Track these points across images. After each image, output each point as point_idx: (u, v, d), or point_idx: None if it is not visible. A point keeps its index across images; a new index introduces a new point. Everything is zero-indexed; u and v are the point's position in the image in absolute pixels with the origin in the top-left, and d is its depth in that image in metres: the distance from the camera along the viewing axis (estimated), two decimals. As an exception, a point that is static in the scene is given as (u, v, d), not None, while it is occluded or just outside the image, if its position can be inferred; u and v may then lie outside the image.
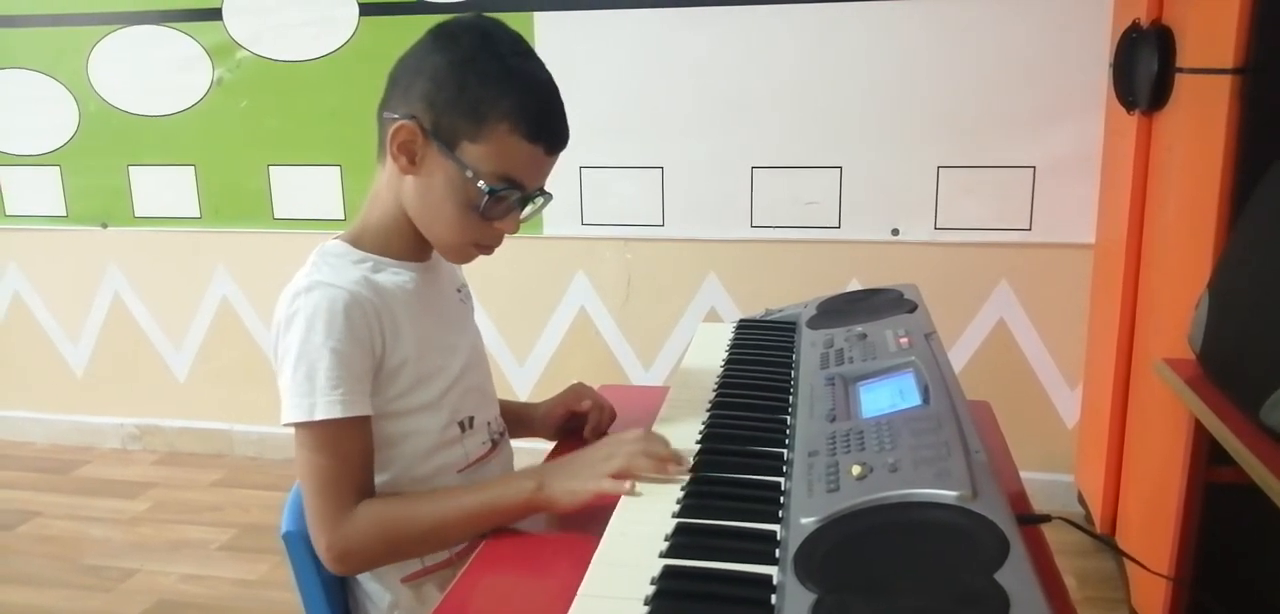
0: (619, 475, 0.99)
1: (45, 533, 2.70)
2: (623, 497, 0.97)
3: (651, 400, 1.25)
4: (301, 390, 1.01)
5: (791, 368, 1.27)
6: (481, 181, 1.05)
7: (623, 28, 2.57)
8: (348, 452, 1.03)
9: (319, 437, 1.02)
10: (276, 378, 1.05)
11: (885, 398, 1.03)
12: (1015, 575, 0.67)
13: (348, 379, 1.02)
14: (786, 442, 1.05)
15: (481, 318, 1.33)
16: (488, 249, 1.14)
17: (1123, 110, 2.12)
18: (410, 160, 1.07)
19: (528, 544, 1.03)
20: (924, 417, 0.94)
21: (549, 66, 1.11)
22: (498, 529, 1.05)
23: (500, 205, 1.08)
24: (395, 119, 1.06)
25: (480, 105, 1.04)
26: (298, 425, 1.02)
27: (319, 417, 1.00)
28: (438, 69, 1.06)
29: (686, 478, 0.99)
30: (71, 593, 2.39)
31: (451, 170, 1.06)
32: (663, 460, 1.01)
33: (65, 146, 3.01)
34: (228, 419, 3.14)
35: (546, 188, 1.13)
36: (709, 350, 1.40)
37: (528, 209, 1.13)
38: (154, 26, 2.84)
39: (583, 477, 1.02)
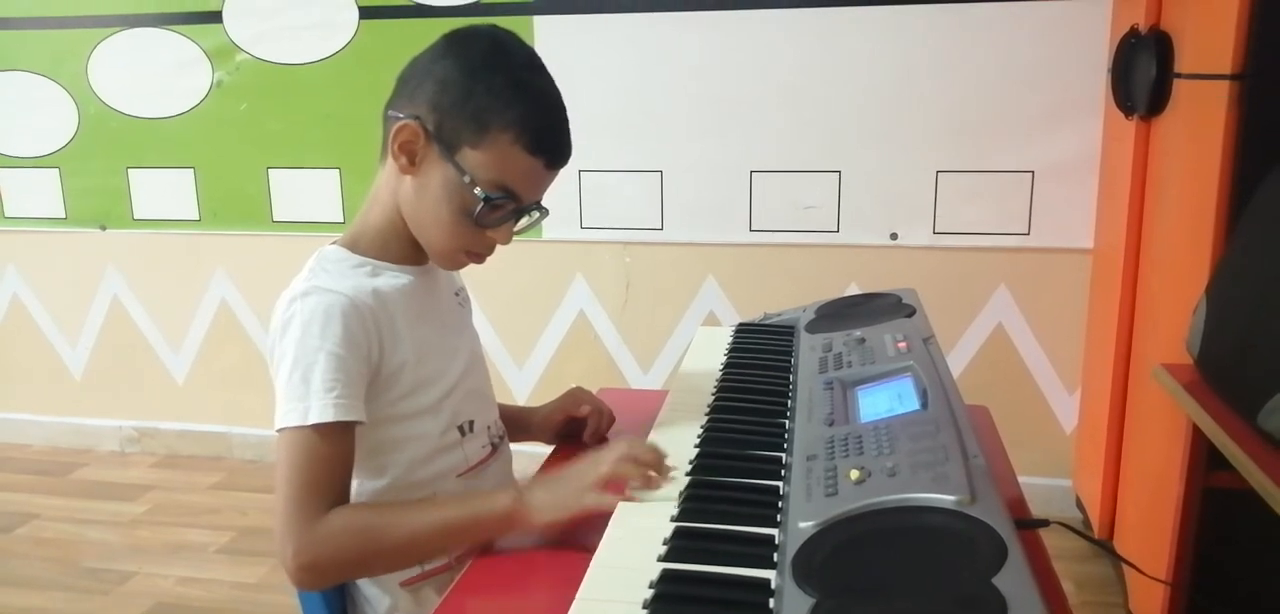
0: (604, 482, 0.99)
1: (43, 535, 2.70)
2: (620, 501, 0.97)
3: (650, 404, 1.25)
4: (296, 394, 1.00)
5: (790, 372, 1.27)
6: (478, 188, 1.05)
7: (622, 31, 2.58)
8: (331, 457, 1.01)
9: (308, 438, 1.00)
10: (274, 383, 1.05)
11: (883, 402, 1.03)
12: (1013, 580, 0.67)
13: (343, 382, 1.01)
14: (785, 446, 1.05)
15: (481, 321, 1.33)
16: (479, 258, 1.13)
17: (1121, 116, 2.12)
18: (410, 160, 1.07)
19: (526, 549, 1.03)
20: (922, 421, 0.94)
21: (548, 70, 1.10)
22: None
23: (495, 214, 1.08)
24: (399, 118, 1.06)
25: (486, 113, 1.04)
26: (287, 429, 1.01)
27: (312, 420, 0.99)
28: (447, 73, 1.06)
29: (684, 482, 0.99)
30: (69, 596, 2.38)
31: (450, 174, 1.06)
32: (648, 465, 1.01)
33: (65, 148, 3.01)
34: (226, 422, 3.14)
35: (543, 202, 1.13)
36: (708, 354, 1.41)
37: (523, 221, 1.12)
38: (154, 29, 2.84)
39: (563, 492, 1.01)
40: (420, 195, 1.08)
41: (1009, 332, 2.58)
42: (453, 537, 1.05)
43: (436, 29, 1.10)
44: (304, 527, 0.98)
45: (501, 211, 1.08)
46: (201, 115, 2.88)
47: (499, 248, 1.13)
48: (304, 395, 1.00)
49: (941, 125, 2.47)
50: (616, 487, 0.99)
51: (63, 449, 3.25)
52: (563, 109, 1.10)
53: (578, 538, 0.98)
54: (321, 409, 1.00)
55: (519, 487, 1.04)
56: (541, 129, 1.07)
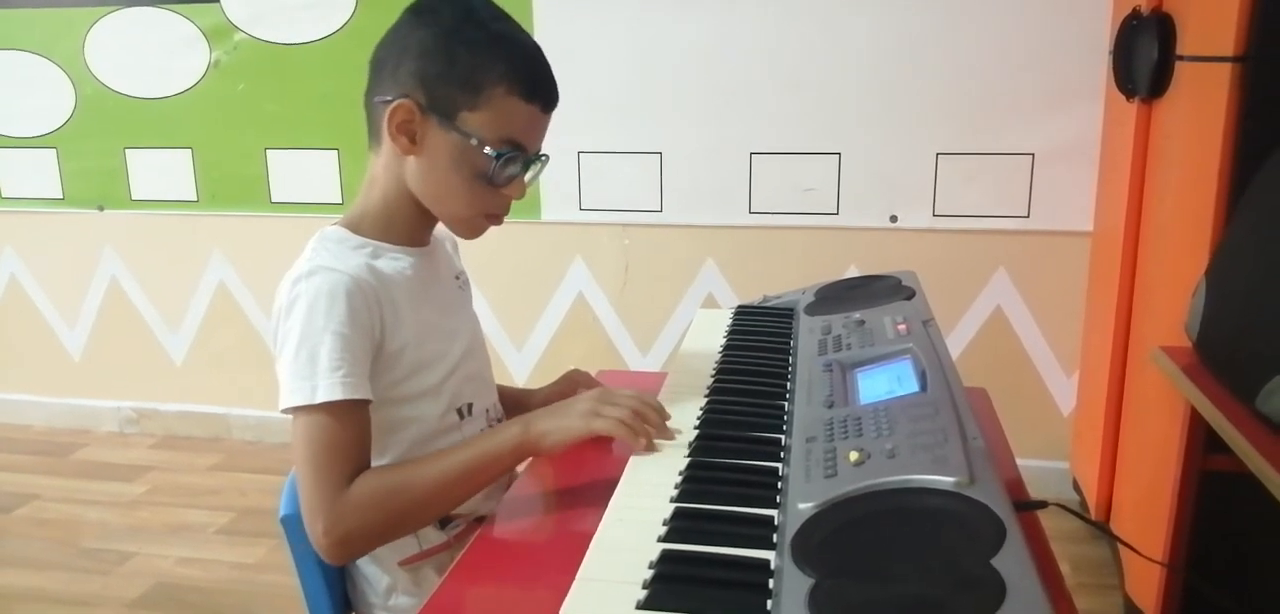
0: (610, 409, 1.02)
1: (42, 516, 2.70)
2: (621, 481, 0.97)
3: (649, 386, 1.25)
4: (303, 374, 1.00)
5: (789, 354, 1.27)
6: (487, 147, 1.05)
7: (622, 11, 2.56)
8: (347, 435, 1.01)
9: (320, 419, 1.00)
10: (275, 364, 1.05)
11: (883, 384, 1.03)
12: (1011, 561, 0.67)
13: (349, 361, 1.01)
14: (784, 427, 1.05)
15: (480, 303, 1.33)
16: (497, 219, 1.14)
17: (1122, 98, 2.12)
18: (411, 140, 1.07)
19: (526, 529, 1.04)
20: (921, 403, 0.94)
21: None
22: (496, 515, 1.05)
23: (508, 169, 1.09)
24: (389, 101, 1.06)
25: (474, 72, 1.05)
26: (297, 409, 1.01)
27: (320, 399, 0.99)
28: (424, 44, 1.06)
29: (684, 463, 1.00)
30: (69, 576, 2.39)
31: (455, 142, 1.06)
32: (653, 423, 1.04)
33: (62, 129, 3.00)
34: (225, 403, 3.14)
35: (543, 150, 1.14)
36: (707, 336, 1.41)
37: (531, 171, 1.13)
38: (150, 8, 2.82)
39: (569, 417, 1.04)
40: (429, 171, 1.09)
41: (1008, 314, 2.58)
42: (472, 476, 1.05)
43: (436, 6, 1.09)
44: (330, 502, 0.99)
45: (512, 165, 1.09)
46: (199, 95, 2.87)
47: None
48: (311, 375, 1.00)
49: (941, 107, 2.46)
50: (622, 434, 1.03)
51: (62, 430, 3.26)
52: (543, 53, 1.11)
53: (579, 518, 0.98)
54: (329, 388, 1.00)
55: (525, 418, 1.06)
56: (531, 74, 1.08)
